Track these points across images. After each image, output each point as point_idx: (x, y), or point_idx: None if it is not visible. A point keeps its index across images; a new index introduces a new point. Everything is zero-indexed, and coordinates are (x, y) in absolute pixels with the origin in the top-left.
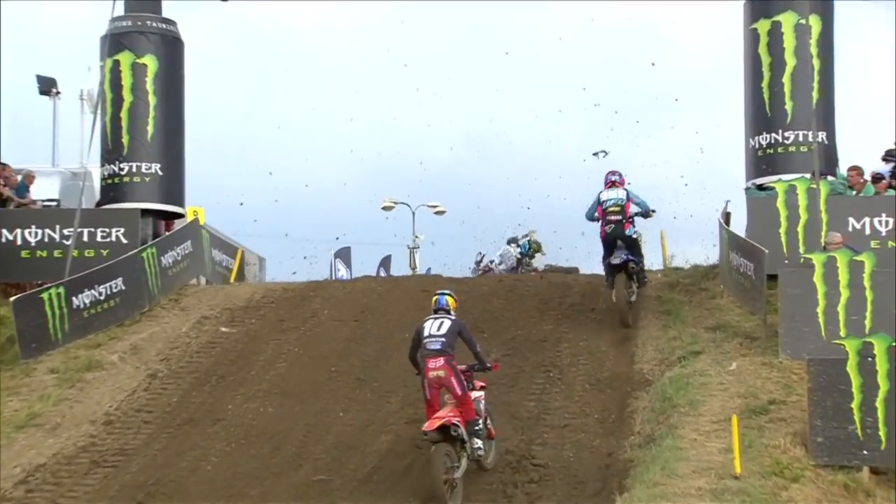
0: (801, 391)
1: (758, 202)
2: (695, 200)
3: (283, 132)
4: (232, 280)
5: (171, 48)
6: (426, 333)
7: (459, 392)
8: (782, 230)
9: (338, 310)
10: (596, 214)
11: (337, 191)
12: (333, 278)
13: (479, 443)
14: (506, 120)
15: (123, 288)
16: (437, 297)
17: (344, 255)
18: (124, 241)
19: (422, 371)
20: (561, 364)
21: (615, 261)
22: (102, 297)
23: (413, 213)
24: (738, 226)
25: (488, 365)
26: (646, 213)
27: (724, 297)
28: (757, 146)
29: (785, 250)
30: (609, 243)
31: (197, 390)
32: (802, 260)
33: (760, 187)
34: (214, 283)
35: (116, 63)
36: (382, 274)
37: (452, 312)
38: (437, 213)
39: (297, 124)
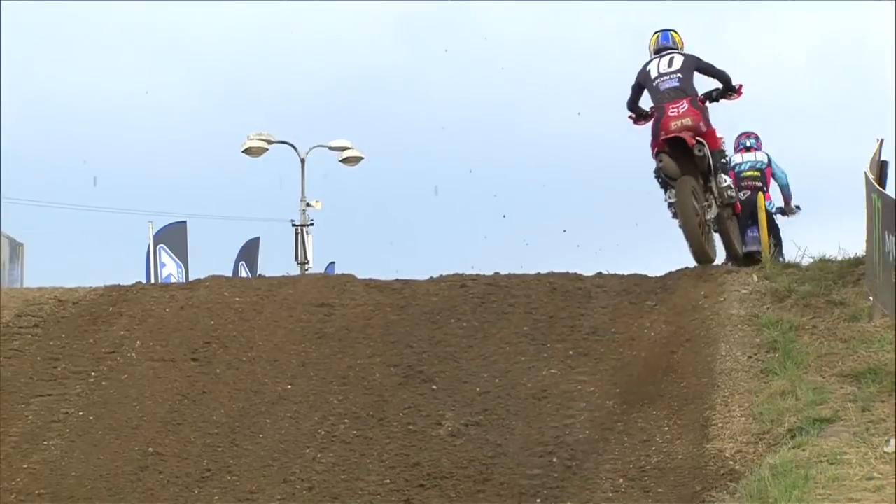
0: None
1: None
2: (817, 134)
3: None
4: None
5: None
6: (654, 74)
7: (705, 129)
8: None
9: (161, 339)
10: None
11: (161, 116)
12: (153, 280)
13: (727, 180)
14: None
15: None
16: (657, 34)
17: (173, 238)
18: None
19: (658, 121)
20: (573, 441)
21: (750, 247)
22: None
23: (302, 161)
24: None
25: (734, 86)
26: (785, 199)
27: (876, 317)
28: None
29: None
30: (745, 217)
31: None
32: None
33: None
34: None
35: None
36: (245, 273)
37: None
38: (345, 160)
39: None
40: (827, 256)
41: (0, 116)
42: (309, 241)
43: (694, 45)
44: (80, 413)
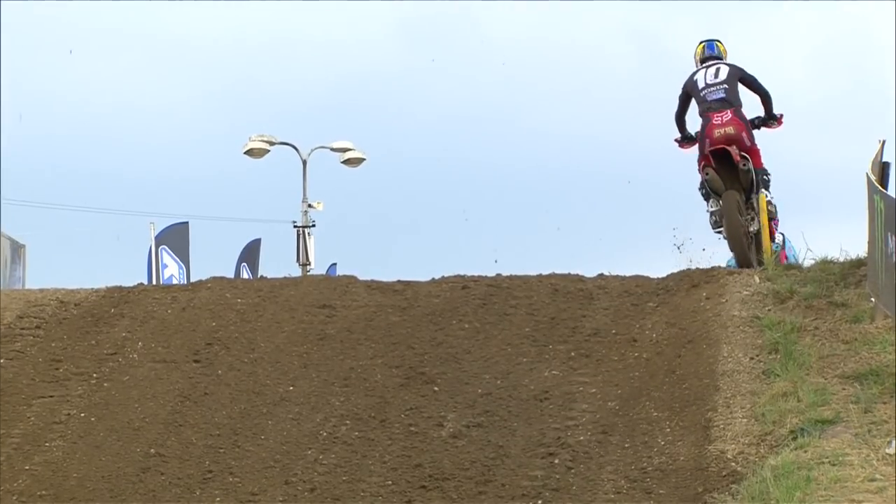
0: None
1: None
2: (818, 135)
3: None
4: None
5: None
6: (702, 84)
7: (749, 143)
8: None
9: (163, 341)
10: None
11: (163, 118)
12: (155, 282)
13: (769, 195)
14: None
15: None
16: (703, 44)
17: (175, 239)
18: None
19: (703, 129)
20: (575, 442)
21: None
22: None
23: (304, 163)
24: None
25: (775, 114)
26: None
27: (877, 318)
28: None
29: None
30: None
31: None
32: None
33: None
34: None
35: None
36: (247, 274)
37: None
38: (347, 161)
39: None
40: (829, 258)
41: (0, 117)
42: (311, 242)
43: (694, 46)
44: (82, 414)
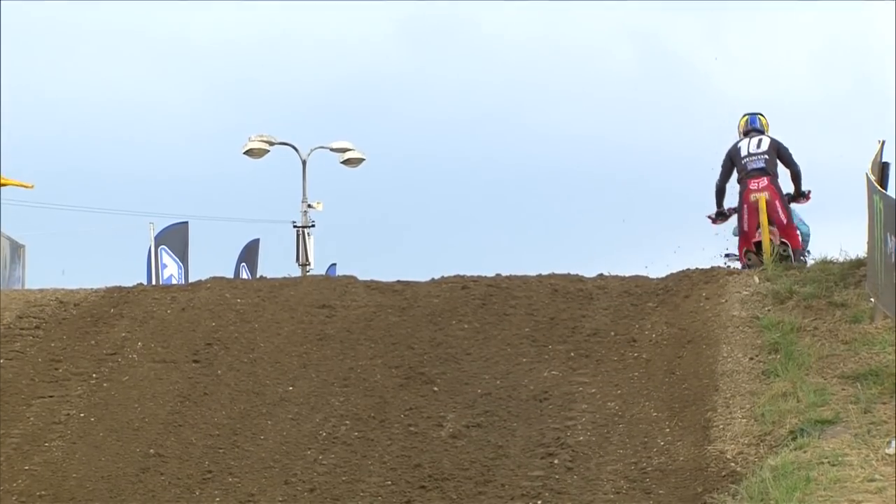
0: None
1: None
2: (819, 135)
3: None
4: None
5: None
6: (744, 153)
7: (784, 219)
8: None
9: (162, 341)
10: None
11: (163, 118)
12: (154, 282)
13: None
14: None
15: None
16: (747, 117)
17: (174, 239)
18: None
19: (741, 195)
20: (574, 442)
21: None
22: None
23: (304, 163)
24: None
25: (804, 191)
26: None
27: (877, 318)
28: None
29: None
30: None
31: None
32: None
33: None
34: None
35: None
36: (246, 274)
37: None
38: (347, 161)
39: None
40: (828, 258)
41: (0, 117)
42: (310, 242)
43: (694, 47)
44: (82, 414)
